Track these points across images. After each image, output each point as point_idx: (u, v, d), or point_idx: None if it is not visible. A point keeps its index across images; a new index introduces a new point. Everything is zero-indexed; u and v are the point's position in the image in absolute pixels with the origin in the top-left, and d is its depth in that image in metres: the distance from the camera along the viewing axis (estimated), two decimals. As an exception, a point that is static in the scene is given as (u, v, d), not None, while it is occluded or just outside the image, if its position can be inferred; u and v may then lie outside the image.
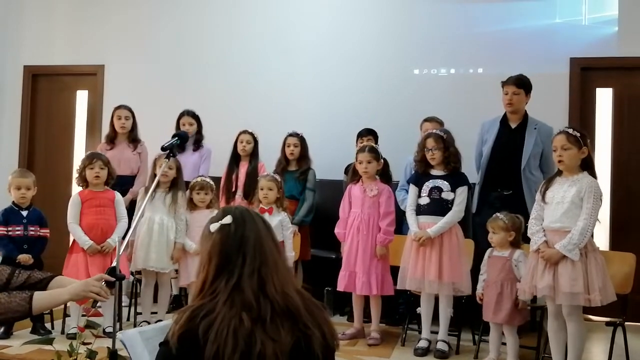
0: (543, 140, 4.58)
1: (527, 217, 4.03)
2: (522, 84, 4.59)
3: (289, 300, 1.59)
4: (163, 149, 2.89)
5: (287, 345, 1.54)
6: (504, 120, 4.71)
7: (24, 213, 4.47)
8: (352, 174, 4.67)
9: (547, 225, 3.66)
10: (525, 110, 4.68)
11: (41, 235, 4.50)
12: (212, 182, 4.76)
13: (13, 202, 4.50)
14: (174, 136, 2.94)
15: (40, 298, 2.13)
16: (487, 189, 4.64)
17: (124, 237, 4.49)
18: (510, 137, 4.66)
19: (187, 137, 3.22)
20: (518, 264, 3.93)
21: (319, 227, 5.25)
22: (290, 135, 5.33)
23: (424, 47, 5.82)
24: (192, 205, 4.70)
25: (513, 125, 4.68)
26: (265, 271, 1.62)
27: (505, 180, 4.59)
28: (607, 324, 3.86)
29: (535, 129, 4.61)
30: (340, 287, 4.56)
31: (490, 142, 4.70)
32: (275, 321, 1.56)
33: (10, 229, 4.41)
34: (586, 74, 5.54)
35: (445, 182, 4.33)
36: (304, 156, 5.32)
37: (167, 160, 2.96)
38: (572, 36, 5.53)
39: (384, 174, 4.79)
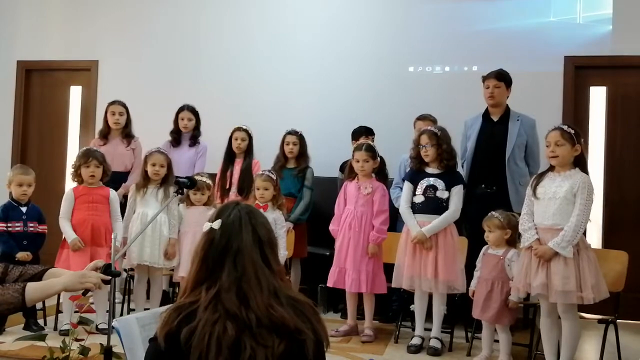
0: (526, 131, 4.65)
1: (511, 212, 4.13)
2: (502, 77, 4.65)
3: (274, 317, 1.55)
4: (177, 182, 3.14)
5: (279, 352, 1.52)
6: (486, 115, 4.75)
7: (23, 209, 4.46)
8: (349, 171, 4.67)
9: (539, 223, 3.67)
10: (507, 104, 4.72)
11: (39, 232, 4.50)
12: (208, 181, 4.75)
13: (12, 198, 4.49)
14: (186, 177, 3.20)
15: (33, 289, 2.12)
16: (473, 184, 4.65)
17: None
18: (493, 130, 4.70)
19: (196, 183, 3.52)
20: (511, 263, 3.92)
21: (314, 224, 5.25)
22: (289, 133, 5.33)
23: (419, 44, 5.83)
24: (189, 202, 4.71)
25: (495, 119, 4.72)
26: (246, 285, 1.58)
27: (491, 174, 4.62)
28: (600, 321, 3.87)
29: (518, 120, 4.66)
30: (330, 283, 4.58)
31: (474, 136, 4.73)
32: (264, 329, 1.53)
33: (9, 225, 4.40)
34: (580, 72, 5.55)
35: (440, 180, 4.33)
36: (302, 154, 5.32)
37: (176, 194, 3.20)
38: (566, 34, 5.55)
39: (380, 172, 4.79)
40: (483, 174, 4.66)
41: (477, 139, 4.71)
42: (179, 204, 4.85)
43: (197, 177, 4.73)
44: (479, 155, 4.69)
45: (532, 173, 4.65)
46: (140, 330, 1.84)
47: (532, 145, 4.65)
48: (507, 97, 4.70)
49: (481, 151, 4.69)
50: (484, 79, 4.69)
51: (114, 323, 1.86)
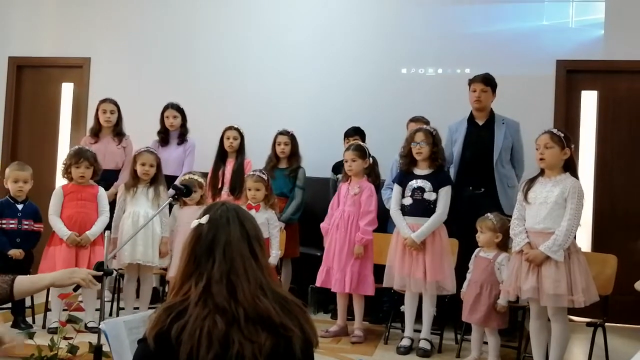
0: (512, 134, 4.71)
1: (501, 214, 4.17)
2: (489, 81, 4.68)
3: (259, 308, 1.56)
4: (173, 187, 3.14)
5: (267, 347, 1.52)
6: (471, 119, 4.78)
7: (19, 207, 4.45)
8: (344, 173, 4.69)
9: (530, 227, 3.68)
10: (491, 108, 4.75)
11: (34, 230, 4.48)
12: (200, 180, 4.73)
13: (8, 195, 4.47)
14: (182, 185, 3.22)
15: (22, 281, 2.13)
16: (460, 187, 4.66)
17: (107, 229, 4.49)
18: (479, 134, 4.74)
19: (192, 191, 3.52)
20: (501, 267, 3.94)
21: (306, 224, 5.25)
22: (281, 133, 5.33)
23: (412, 46, 5.83)
24: (182, 202, 4.69)
25: (480, 123, 4.76)
26: (234, 278, 1.59)
27: (478, 177, 4.65)
28: (588, 324, 3.89)
29: (503, 123, 4.70)
30: (319, 282, 4.60)
31: (460, 140, 4.75)
32: (251, 324, 1.54)
33: (4, 222, 4.38)
34: (572, 76, 5.58)
35: (427, 182, 4.33)
36: (294, 154, 5.32)
37: (172, 198, 3.19)
38: (558, 38, 5.57)
39: (372, 173, 4.80)
40: (471, 178, 4.68)
41: (464, 143, 4.73)
42: (172, 204, 4.84)
43: (189, 176, 4.72)
44: (467, 159, 4.71)
45: (517, 175, 4.70)
46: (127, 333, 1.83)
47: (517, 148, 4.70)
48: (492, 101, 4.74)
49: (468, 155, 4.71)
50: (470, 82, 4.71)
51: (102, 325, 1.84)
